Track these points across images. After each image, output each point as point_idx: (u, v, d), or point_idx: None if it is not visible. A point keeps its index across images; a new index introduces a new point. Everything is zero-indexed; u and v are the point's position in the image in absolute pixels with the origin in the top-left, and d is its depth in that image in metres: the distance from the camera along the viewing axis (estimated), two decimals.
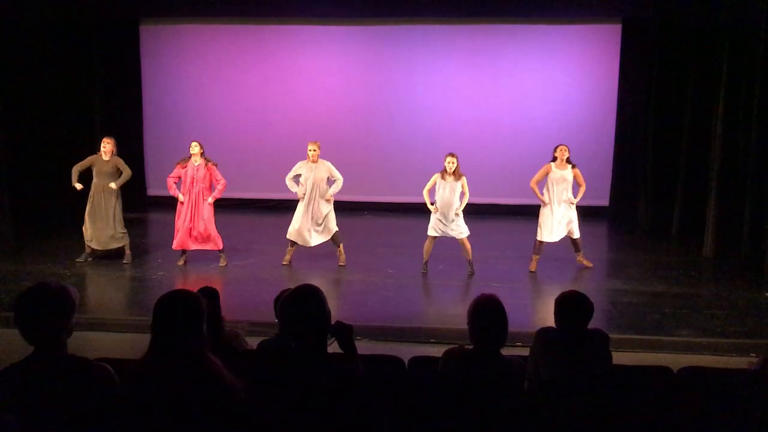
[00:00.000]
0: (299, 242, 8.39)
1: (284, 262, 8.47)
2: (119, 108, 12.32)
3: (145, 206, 12.27)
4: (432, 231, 8.09)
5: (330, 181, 8.42)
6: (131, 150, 12.38)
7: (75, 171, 8.38)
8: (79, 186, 8.36)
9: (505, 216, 11.82)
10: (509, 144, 12.09)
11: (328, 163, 8.39)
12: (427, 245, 8.17)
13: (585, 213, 11.43)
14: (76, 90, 11.73)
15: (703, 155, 9.86)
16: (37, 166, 10.90)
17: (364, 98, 12.31)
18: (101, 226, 8.41)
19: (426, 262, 8.21)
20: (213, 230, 8.37)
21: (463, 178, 7.98)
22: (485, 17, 11.87)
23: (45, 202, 10.92)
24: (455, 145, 11.87)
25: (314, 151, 8.26)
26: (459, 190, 7.97)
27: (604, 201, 12.05)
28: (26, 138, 10.80)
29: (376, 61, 12.25)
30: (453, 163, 7.90)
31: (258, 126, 12.48)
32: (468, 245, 8.09)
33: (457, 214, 7.99)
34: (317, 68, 12.32)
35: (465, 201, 8.03)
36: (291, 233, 8.40)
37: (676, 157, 10.65)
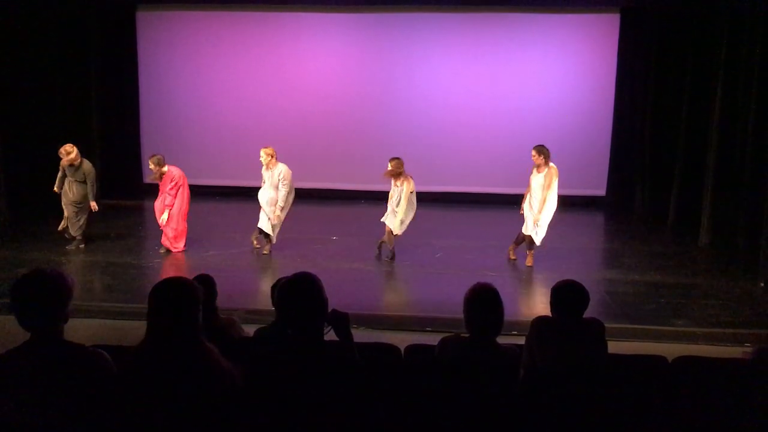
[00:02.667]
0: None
1: (258, 247, 8.54)
2: (116, 95, 12.27)
3: (141, 194, 12.23)
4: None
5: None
6: (128, 137, 12.39)
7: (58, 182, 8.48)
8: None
9: (502, 206, 11.79)
10: (506, 133, 12.06)
11: (283, 168, 8.29)
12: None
13: (582, 202, 11.50)
14: (72, 76, 11.66)
15: (700, 145, 9.87)
16: (32, 153, 10.87)
17: (360, 86, 12.26)
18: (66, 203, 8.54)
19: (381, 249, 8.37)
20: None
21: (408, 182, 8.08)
22: (483, 6, 11.82)
23: (41, 189, 10.88)
24: (452, 133, 11.91)
25: (267, 157, 8.25)
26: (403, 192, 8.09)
27: (601, 190, 12.06)
28: (22, 125, 10.75)
29: (373, 49, 12.20)
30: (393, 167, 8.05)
31: (255, 113, 12.43)
32: (391, 235, 8.20)
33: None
34: (314, 56, 12.26)
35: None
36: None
37: (673, 147, 10.65)
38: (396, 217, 8.08)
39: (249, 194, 12.26)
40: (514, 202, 11.69)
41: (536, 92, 12.02)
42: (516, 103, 12.06)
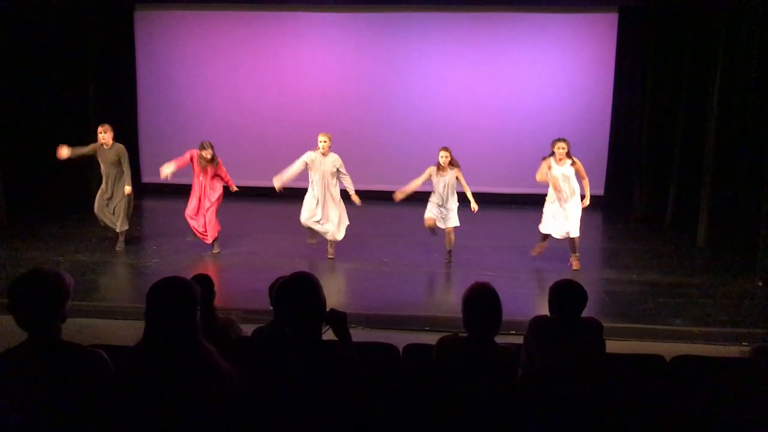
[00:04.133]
0: (312, 225, 8.24)
1: (311, 242, 8.40)
2: (113, 94, 12.24)
3: (139, 193, 12.20)
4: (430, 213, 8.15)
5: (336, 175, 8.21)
6: (126, 137, 12.32)
7: (75, 152, 8.34)
8: (65, 152, 8.28)
9: (500, 205, 11.81)
10: (505, 133, 12.07)
11: (337, 156, 8.15)
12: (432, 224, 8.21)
13: None
14: (69, 76, 11.64)
15: (697, 145, 9.87)
16: (30, 153, 10.85)
17: (359, 86, 12.26)
18: (109, 207, 8.48)
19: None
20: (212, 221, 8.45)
21: (457, 168, 8.02)
22: (482, 5, 11.83)
23: (38, 188, 10.88)
24: (451, 133, 11.87)
25: (325, 142, 8.02)
26: (454, 181, 8.02)
27: (599, 190, 12.04)
28: (19, 125, 10.74)
29: (372, 49, 12.20)
30: (447, 157, 7.93)
31: (253, 113, 12.43)
32: (452, 236, 8.14)
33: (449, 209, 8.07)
34: (313, 55, 12.26)
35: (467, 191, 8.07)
36: (304, 217, 8.24)
37: (671, 146, 10.65)
38: (455, 210, 8.07)
39: (246, 194, 12.27)
40: (512, 201, 11.76)
41: (534, 92, 12.02)
42: (513, 103, 12.07)
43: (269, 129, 12.21)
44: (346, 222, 8.36)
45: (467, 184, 8.07)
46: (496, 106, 12.11)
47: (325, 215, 8.19)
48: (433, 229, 8.23)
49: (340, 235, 8.28)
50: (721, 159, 9.28)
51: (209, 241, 8.41)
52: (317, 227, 8.26)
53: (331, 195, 8.18)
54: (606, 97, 11.86)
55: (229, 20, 12.32)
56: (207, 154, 8.22)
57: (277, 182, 8.10)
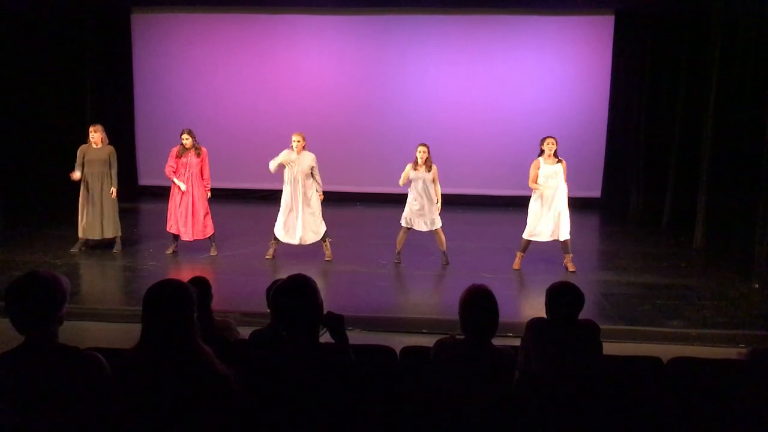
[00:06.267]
0: (286, 240, 8.22)
1: (267, 257, 8.35)
2: (110, 97, 12.25)
3: (136, 196, 12.22)
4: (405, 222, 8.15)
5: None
6: (122, 139, 12.35)
7: (79, 167, 8.26)
8: (77, 175, 8.22)
9: (497, 207, 11.84)
10: (501, 136, 12.08)
11: (313, 155, 8.21)
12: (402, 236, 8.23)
13: (577, 204, 11.50)
14: (66, 79, 11.64)
15: (694, 147, 9.89)
16: (27, 155, 10.85)
17: (355, 88, 12.27)
18: (95, 214, 8.35)
19: (398, 253, 8.27)
20: (207, 217, 8.42)
21: (435, 168, 7.99)
22: (478, 8, 11.84)
23: (35, 191, 10.87)
24: (447, 136, 11.91)
25: (298, 142, 8.08)
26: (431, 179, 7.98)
27: (595, 192, 12.08)
28: (16, 128, 10.73)
29: (368, 52, 12.21)
30: (425, 152, 7.91)
31: (250, 116, 12.43)
32: (443, 236, 8.12)
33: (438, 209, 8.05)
34: (309, 58, 12.27)
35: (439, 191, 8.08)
36: (278, 230, 8.23)
37: (668, 148, 10.68)
38: (437, 211, 8.02)
39: (244, 197, 12.29)
40: (509, 204, 11.77)
41: (531, 94, 12.03)
42: (511, 105, 12.09)
43: (266, 131, 12.19)
44: (322, 226, 8.28)
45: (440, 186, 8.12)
46: (492, 109, 12.12)
47: (295, 223, 8.13)
48: (399, 252, 8.25)
49: (317, 236, 8.24)
50: (718, 161, 9.31)
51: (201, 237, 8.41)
52: (288, 240, 8.20)
53: (305, 195, 8.13)
54: (603, 100, 11.89)
55: (226, 23, 12.32)
56: (186, 137, 8.26)
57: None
